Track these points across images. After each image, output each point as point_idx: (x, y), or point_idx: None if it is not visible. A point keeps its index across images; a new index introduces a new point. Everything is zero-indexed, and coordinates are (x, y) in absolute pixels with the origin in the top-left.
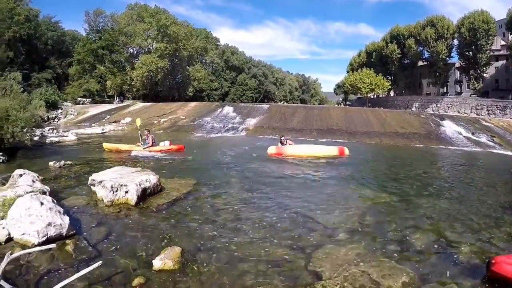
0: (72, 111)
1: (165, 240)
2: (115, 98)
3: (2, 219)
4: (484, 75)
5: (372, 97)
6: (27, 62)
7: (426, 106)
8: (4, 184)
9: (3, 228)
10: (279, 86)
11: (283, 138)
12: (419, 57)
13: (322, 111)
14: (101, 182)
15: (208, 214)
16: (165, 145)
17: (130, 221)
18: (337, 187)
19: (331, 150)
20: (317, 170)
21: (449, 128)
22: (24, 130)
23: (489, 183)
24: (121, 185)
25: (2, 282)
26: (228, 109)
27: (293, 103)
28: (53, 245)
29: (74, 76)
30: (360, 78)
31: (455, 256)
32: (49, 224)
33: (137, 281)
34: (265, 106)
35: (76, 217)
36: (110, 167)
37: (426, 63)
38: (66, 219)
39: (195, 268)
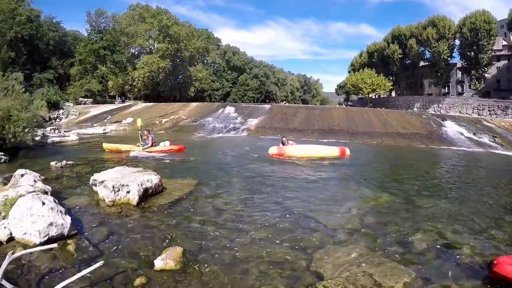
0: (73, 111)
1: (167, 240)
2: (117, 98)
3: (4, 218)
4: (486, 75)
5: (374, 97)
6: (28, 62)
7: (428, 106)
8: (5, 184)
9: (5, 227)
10: (280, 86)
11: (284, 139)
12: (421, 57)
13: (323, 111)
14: (102, 182)
15: (210, 214)
16: (165, 145)
17: (131, 221)
18: (339, 187)
19: (332, 151)
20: (318, 170)
21: (451, 128)
22: (26, 130)
23: (491, 184)
24: (123, 185)
25: (4, 282)
26: (230, 110)
27: (295, 103)
28: (54, 245)
29: (75, 76)
30: (362, 79)
31: (457, 256)
32: (51, 224)
33: (138, 281)
34: (267, 106)
35: (77, 217)
36: (111, 167)
37: (427, 63)
38: (68, 219)
39: (197, 268)
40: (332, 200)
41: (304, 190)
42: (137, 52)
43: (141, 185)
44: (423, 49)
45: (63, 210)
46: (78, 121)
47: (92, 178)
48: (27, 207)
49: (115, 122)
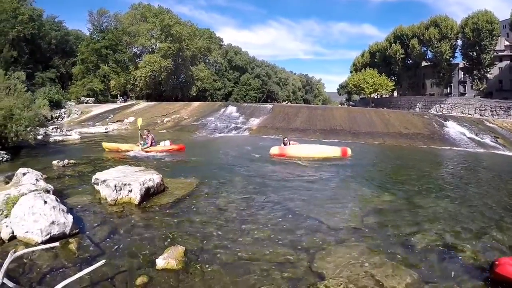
0: (75, 111)
1: (168, 240)
2: (119, 97)
3: (6, 217)
4: (488, 75)
5: (376, 97)
6: (31, 62)
7: (430, 106)
8: (8, 183)
9: (7, 226)
10: (282, 86)
11: (286, 139)
12: (423, 58)
13: (325, 111)
14: (104, 181)
15: (212, 214)
16: (165, 145)
17: (133, 220)
18: (340, 187)
19: (334, 151)
20: (319, 170)
21: (453, 129)
22: (28, 129)
23: (493, 185)
24: (125, 184)
25: (6, 280)
26: (232, 109)
27: (296, 103)
28: (56, 244)
29: (77, 75)
30: (364, 79)
31: (459, 257)
32: (53, 222)
33: (140, 280)
34: (268, 106)
35: (79, 216)
36: (113, 166)
37: (429, 63)
38: (70, 217)
39: (198, 267)
40: (334, 200)
41: (306, 190)
42: (139, 52)
43: (143, 185)
44: (425, 49)
45: (65, 209)
46: (80, 120)
47: (94, 177)
48: (29, 206)
49: (117, 121)
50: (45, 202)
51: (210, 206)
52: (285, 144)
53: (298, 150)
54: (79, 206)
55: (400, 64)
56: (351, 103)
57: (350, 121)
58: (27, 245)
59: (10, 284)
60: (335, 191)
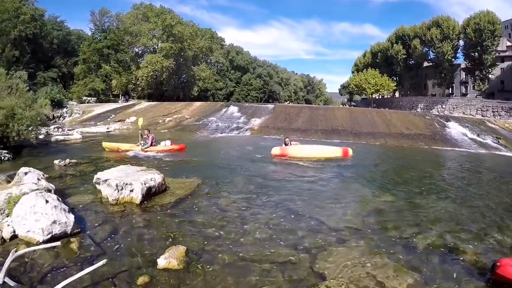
0: (77, 110)
1: (170, 239)
2: (120, 97)
3: (7, 216)
4: (490, 76)
5: (377, 97)
6: (32, 61)
7: (431, 107)
8: (9, 182)
9: (8, 225)
10: (284, 86)
11: (287, 139)
12: (425, 58)
13: (327, 111)
14: (106, 180)
15: (213, 214)
16: (166, 145)
17: (134, 220)
18: (342, 188)
19: (335, 151)
20: (321, 171)
21: (455, 129)
22: (30, 128)
23: (494, 186)
24: (126, 184)
25: (7, 279)
26: (233, 109)
27: (298, 103)
28: (58, 243)
29: (79, 75)
30: (365, 79)
31: (460, 258)
32: (54, 222)
33: (141, 279)
34: (270, 106)
35: (81, 215)
36: (115, 166)
37: (431, 64)
38: (71, 217)
39: (200, 267)
40: (335, 201)
41: (307, 191)
42: (140, 51)
43: (145, 184)
44: (427, 49)
45: (66, 208)
46: (81, 120)
47: (95, 176)
48: (30, 205)
49: (118, 121)
50: (47, 201)
51: (212, 206)
52: (286, 144)
53: (299, 150)
54: (81, 206)
55: (401, 65)
56: (352, 103)
57: (351, 121)
58: (28, 244)
59: (11, 283)
60: (336, 192)
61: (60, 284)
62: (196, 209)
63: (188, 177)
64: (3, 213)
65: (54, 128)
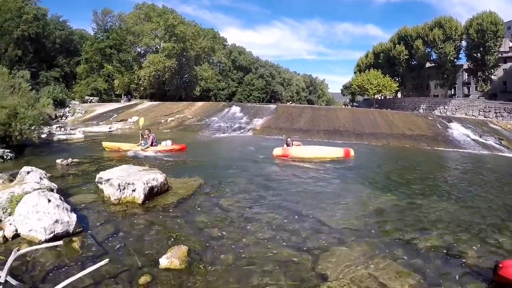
0: (79, 110)
1: (172, 239)
2: (123, 97)
3: (10, 215)
4: (492, 77)
5: (380, 98)
6: (35, 61)
7: (434, 108)
8: (12, 181)
9: (11, 224)
10: (286, 86)
11: (289, 139)
12: (427, 59)
13: (329, 112)
14: (108, 180)
15: (215, 214)
16: (167, 144)
17: (137, 220)
18: (343, 189)
19: (337, 152)
20: (323, 171)
21: (457, 130)
22: (32, 127)
23: (496, 187)
24: (128, 184)
25: (9, 278)
26: (235, 109)
27: (300, 103)
28: (60, 242)
29: (82, 74)
30: (368, 79)
31: (462, 259)
32: (56, 221)
33: (143, 279)
34: (272, 106)
35: (83, 214)
36: (117, 166)
37: (433, 64)
38: (73, 216)
39: (202, 267)
40: (337, 202)
41: (309, 191)
42: (143, 51)
43: (147, 184)
44: (429, 50)
45: (68, 207)
46: (84, 119)
47: (98, 176)
48: (33, 204)
49: (120, 121)
50: (49, 200)
51: (214, 206)
52: (288, 144)
53: (300, 151)
54: (83, 205)
55: (404, 65)
56: (354, 104)
57: (354, 122)
58: (30, 243)
59: (13, 282)
60: (338, 192)
61: (62, 283)
62: (198, 209)
63: (190, 177)
64: (5, 212)
65: (56, 127)
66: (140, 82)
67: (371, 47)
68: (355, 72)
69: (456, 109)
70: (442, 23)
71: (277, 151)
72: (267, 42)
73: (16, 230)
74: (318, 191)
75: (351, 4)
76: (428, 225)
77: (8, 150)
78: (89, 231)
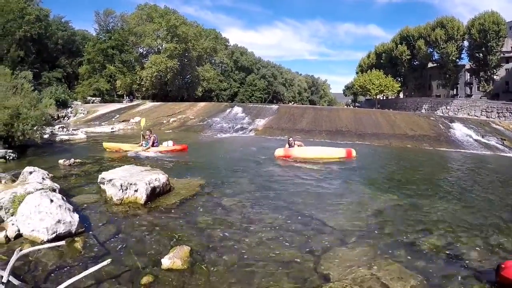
0: (82, 110)
1: (174, 239)
2: (125, 97)
3: (12, 215)
4: (495, 77)
5: (382, 98)
6: (37, 61)
7: (436, 108)
8: (14, 181)
9: (13, 224)
10: (288, 87)
11: (291, 139)
12: (429, 59)
13: (331, 112)
14: (110, 180)
15: (217, 215)
16: (168, 145)
17: (139, 220)
18: (345, 189)
19: (339, 152)
20: (324, 172)
21: (459, 130)
22: (34, 128)
23: (499, 187)
24: (131, 184)
25: (11, 278)
26: (237, 110)
27: (302, 104)
28: (62, 242)
29: (84, 75)
30: (370, 80)
31: (464, 260)
32: (59, 221)
33: (145, 279)
34: (274, 106)
35: (85, 214)
36: (119, 166)
37: (436, 64)
38: (76, 216)
39: (204, 267)
40: (339, 202)
41: (311, 192)
42: (145, 52)
43: (149, 184)
44: (431, 50)
45: (71, 207)
46: (86, 120)
47: (100, 176)
48: (35, 204)
49: (123, 121)
50: (51, 200)
51: (216, 206)
52: (290, 144)
53: (302, 152)
54: (85, 205)
55: (406, 65)
56: (357, 104)
57: (356, 122)
58: (33, 243)
59: (15, 282)
60: (340, 193)
61: (64, 283)
62: (201, 209)
63: (193, 177)
64: (8, 212)
65: (58, 128)
66: (142, 83)
67: (373, 47)
68: (357, 73)
69: (458, 109)
70: (444, 23)
71: (279, 151)
72: (269, 42)
73: (19, 230)
74: (320, 191)
75: (352, 5)
76: (430, 225)
77: (11, 151)
78: (91, 232)
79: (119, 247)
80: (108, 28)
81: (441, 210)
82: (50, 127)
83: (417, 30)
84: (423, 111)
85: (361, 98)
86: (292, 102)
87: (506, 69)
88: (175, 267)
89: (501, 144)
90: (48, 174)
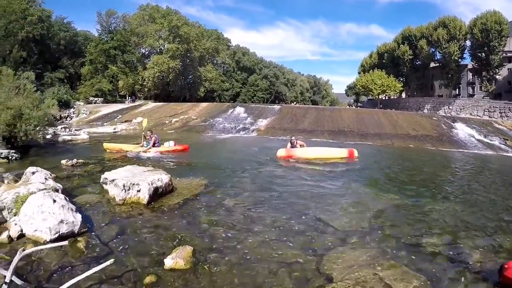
0: (84, 110)
1: (177, 240)
2: (127, 97)
3: (15, 215)
4: (497, 76)
5: (384, 98)
6: (40, 62)
7: (438, 108)
8: (17, 181)
9: (16, 224)
10: (290, 87)
11: (293, 138)
12: (431, 59)
13: (333, 112)
14: (113, 180)
15: (220, 215)
16: (170, 145)
17: (141, 220)
18: (348, 189)
19: (341, 152)
20: (326, 172)
21: (462, 130)
22: (37, 128)
23: (502, 187)
24: (133, 184)
25: (14, 278)
26: (240, 110)
27: (304, 104)
28: (65, 242)
29: (86, 75)
30: (372, 80)
31: (467, 261)
32: (61, 221)
33: (148, 279)
34: (276, 107)
35: (88, 215)
36: (122, 166)
37: (438, 64)
38: (78, 216)
39: (206, 268)
40: (341, 203)
41: (313, 192)
42: (147, 52)
43: (152, 184)
44: (433, 50)
45: (73, 208)
46: (88, 120)
47: (102, 176)
48: (38, 204)
49: (125, 122)
50: (54, 201)
51: (218, 206)
52: (292, 144)
53: (304, 152)
54: (88, 205)
55: (408, 65)
56: (359, 104)
57: (358, 122)
58: (35, 243)
59: (18, 281)
60: (342, 193)
61: (67, 283)
62: (203, 209)
63: (195, 177)
64: (10, 212)
65: (61, 128)
66: (144, 83)
67: (375, 47)
68: (359, 73)
69: (460, 109)
70: (446, 23)
71: (281, 152)
72: (271, 43)
73: (21, 230)
74: (322, 192)
75: (354, 5)
76: (433, 226)
77: (13, 151)
78: (94, 232)
79: (121, 247)
80: (110, 28)
81: (444, 210)
82: (53, 128)
83: (419, 30)
84: (425, 111)
85: (363, 98)
86: (294, 102)
87: (508, 69)
88: (178, 267)
89: (503, 144)
90: (50, 174)
